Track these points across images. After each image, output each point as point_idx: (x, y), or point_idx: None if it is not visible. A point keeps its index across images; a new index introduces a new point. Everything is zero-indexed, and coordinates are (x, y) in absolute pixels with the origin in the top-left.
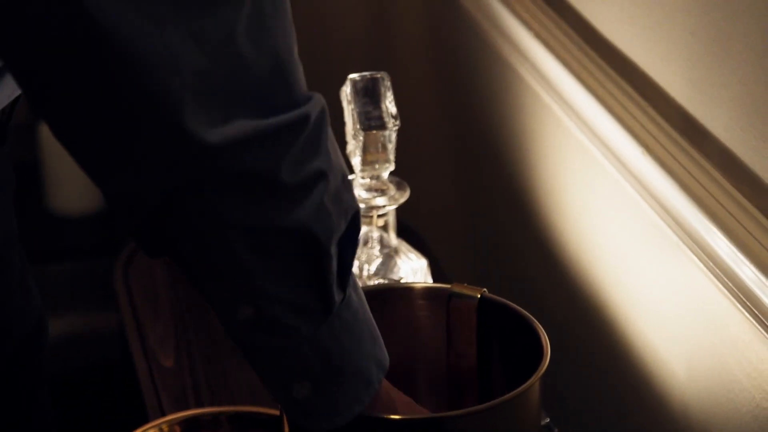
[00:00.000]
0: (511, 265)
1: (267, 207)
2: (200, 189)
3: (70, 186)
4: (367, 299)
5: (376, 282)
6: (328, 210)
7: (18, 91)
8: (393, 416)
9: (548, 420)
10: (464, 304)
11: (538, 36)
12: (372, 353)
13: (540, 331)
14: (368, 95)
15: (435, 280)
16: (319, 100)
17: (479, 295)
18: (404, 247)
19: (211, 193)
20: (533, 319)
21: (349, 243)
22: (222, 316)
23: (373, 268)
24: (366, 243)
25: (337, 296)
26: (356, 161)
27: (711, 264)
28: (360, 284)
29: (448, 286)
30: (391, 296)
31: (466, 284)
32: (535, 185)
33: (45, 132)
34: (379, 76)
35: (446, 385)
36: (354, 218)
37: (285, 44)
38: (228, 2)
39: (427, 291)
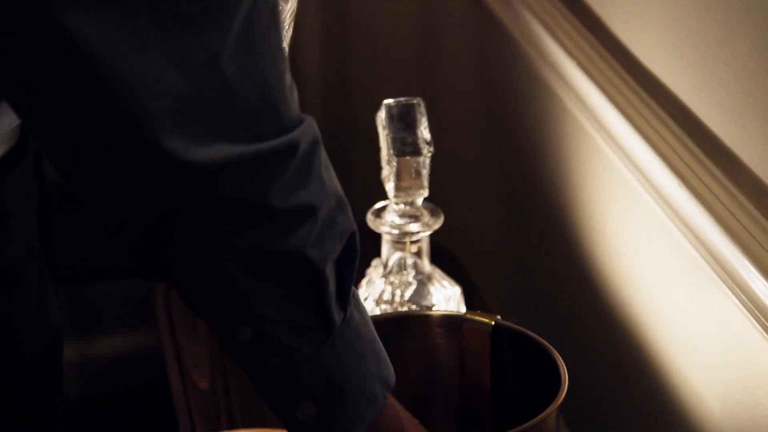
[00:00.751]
0: (549, 292)
1: (258, 231)
2: (189, 213)
3: None
4: (381, 326)
5: (413, 308)
6: (322, 234)
7: None
8: None
9: None
10: (478, 331)
11: (580, 64)
12: (376, 371)
13: (557, 360)
14: (403, 121)
15: (474, 307)
16: (310, 126)
17: (493, 323)
18: (438, 273)
19: (201, 218)
20: (550, 347)
21: (348, 263)
22: (222, 338)
23: (407, 294)
24: (400, 269)
25: (338, 316)
26: (390, 187)
27: (744, 298)
28: (383, 310)
29: (462, 313)
30: (406, 324)
31: (479, 311)
32: (574, 212)
33: None
34: (414, 101)
35: (460, 413)
36: (350, 240)
37: (274, 69)
38: (213, 26)
39: (442, 318)
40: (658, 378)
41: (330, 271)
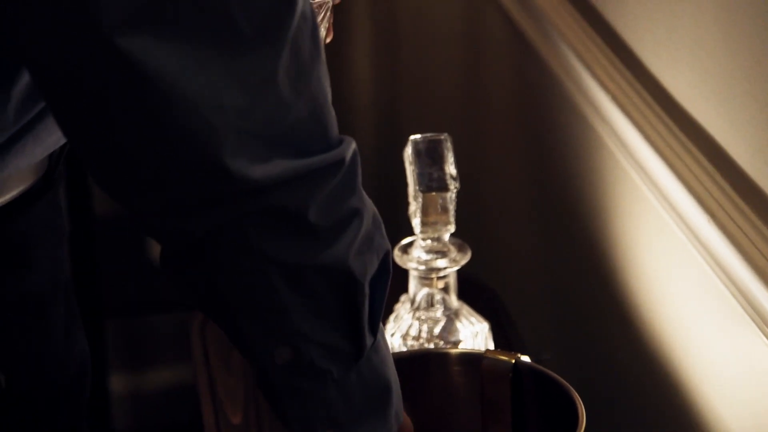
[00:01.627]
0: (585, 327)
1: (306, 244)
2: (243, 226)
3: None
4: (400, 365)
5: (440, 344)
6: (362, 248)
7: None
8: None
9: None
10: (498, 370)
11: (615, 98)
12: (395, 401)
13: (576, 399)
14: (430, 156)
15: (509, 341)
16: (350, 144)
17: (513, 361)
18: (465, 309)
19: (253, 230)
20: (569, 386)
21: (380, 284)
22: (259, 360)
23: (436, 330)
24: (428, 304)
25: (368, 339)
26: (416, 222)
27: None
28: (410, 346)
29: (482, 351)
30: (427, 361)
31: (500, 350)
32: (610, 247)
33: None
34: (441, 137)
35: None
36: (385, 258)
37: (321, 89)
38: (267, 43)
39: (462, 357)
40: (689, 410)
41: (367, 288)
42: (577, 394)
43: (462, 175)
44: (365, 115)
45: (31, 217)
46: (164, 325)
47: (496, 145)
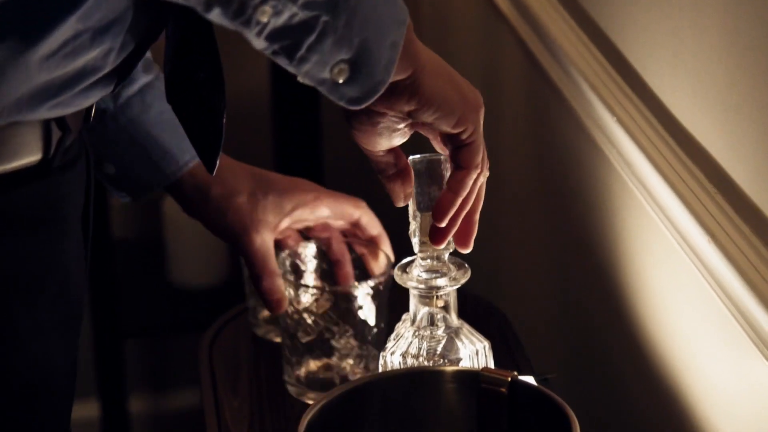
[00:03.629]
0: (595, 349)
1: None
2: None
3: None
4: (398, 381)
5: (440, 362)
6: None
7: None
8: None
9: None
10: (494, 388)
11: (619, 120)
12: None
13: (571, 417)
14: (429, 176)
15: (517, 363)
16: None
17: (509, 379)
18: (466, 328)
19: None
20: (566, 405)
21: None
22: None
23: (439, 348)
24: (429, 323)
25: None
26: (415, 242)
27: None
28: (411, 364)
29: (479, 369)
30: (422, 379)
31: (497, 368)
32: (621, 270)
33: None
34: (440, 157)
35: None
36: None
37: None
38: None
39: (458, 374)
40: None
41: None
42: (572, 412)
43: None
44: None
45: (27, 201)
46: (181, 346)
47: (505, 167)
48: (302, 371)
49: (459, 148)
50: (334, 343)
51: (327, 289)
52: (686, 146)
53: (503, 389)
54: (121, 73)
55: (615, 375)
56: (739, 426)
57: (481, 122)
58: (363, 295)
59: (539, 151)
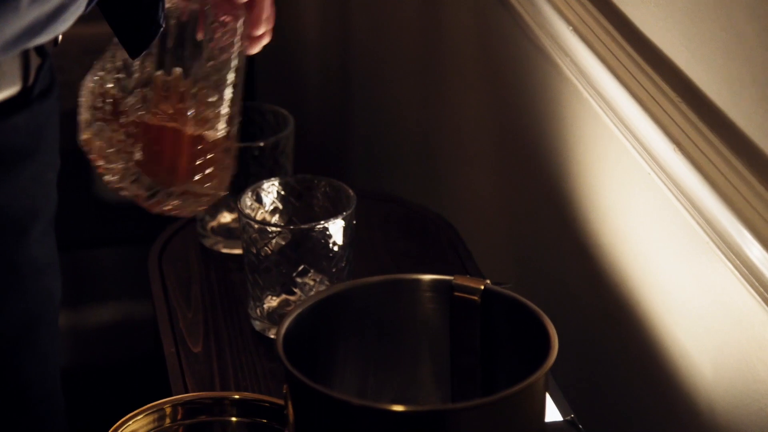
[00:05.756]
0: (546, 260)
1: None
2: None
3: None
4: (371, 292)
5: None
6: None
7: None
8: (397, 408)
9: (572, 416)
10: (467, 295)
11: (576, 30)
12: None
13: (547, 324)
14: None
15: (468, 272)
16: None
17: (482, 287)
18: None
19: None
20: (540, 311)
21: None
22: None
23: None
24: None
25: None
26: None
27: (739, 263)
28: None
29: (452, 277)
30: (396, 288)
31: (469, 276)
32: (570, 178)
33: None
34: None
35: (451, 377)
36: None
37: None
38: None
39: (432, 283)
40: (650, 342)
41: None
42: (548, 318)
43: (425, 118)
44: (312, 81)
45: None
46: (109, 259)
47: (455, 79)
48: (265, 307)
49: None
50: (297, 279)
51: (290, 227)
52: (648, 55)
53: (476, 297)
54: None
55: (568, 288)
56: (703, 337)
57: None
58: (334, 230)
59: (489, 62)
